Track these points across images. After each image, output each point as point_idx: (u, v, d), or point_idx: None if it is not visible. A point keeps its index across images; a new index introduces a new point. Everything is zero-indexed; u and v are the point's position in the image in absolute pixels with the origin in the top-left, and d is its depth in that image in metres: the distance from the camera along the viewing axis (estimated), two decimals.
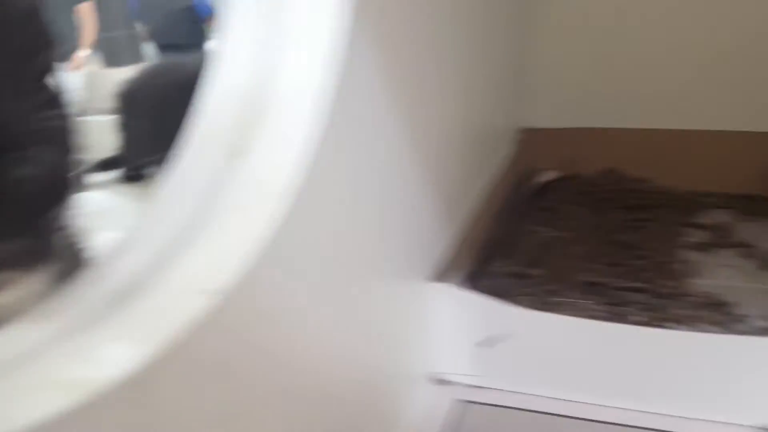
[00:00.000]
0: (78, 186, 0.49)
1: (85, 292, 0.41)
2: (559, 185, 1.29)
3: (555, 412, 0.75)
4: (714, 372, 0.71)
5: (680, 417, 0.73)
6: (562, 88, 1.32)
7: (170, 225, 0.44)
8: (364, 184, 0.60)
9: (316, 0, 0.49)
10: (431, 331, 0.79)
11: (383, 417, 0.72)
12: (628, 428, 0.72)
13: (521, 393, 0.77)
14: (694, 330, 0.81)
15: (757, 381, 0.69)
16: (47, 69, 0.47)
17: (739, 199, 1.18)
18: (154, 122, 1.28)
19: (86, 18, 2.32)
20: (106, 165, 1.68)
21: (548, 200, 1.23)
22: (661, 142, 1.27)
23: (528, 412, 0.75)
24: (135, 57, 2.76)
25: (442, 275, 0.80)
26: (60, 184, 0.47)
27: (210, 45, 1.94)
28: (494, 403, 0.77)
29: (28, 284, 0.43)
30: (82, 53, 2.33)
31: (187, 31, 2.27)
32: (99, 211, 0.80)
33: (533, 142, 1.32)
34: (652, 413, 0.74)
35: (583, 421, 0.73)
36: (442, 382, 0.82)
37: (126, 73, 1.84)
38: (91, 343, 0.37)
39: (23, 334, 0.38)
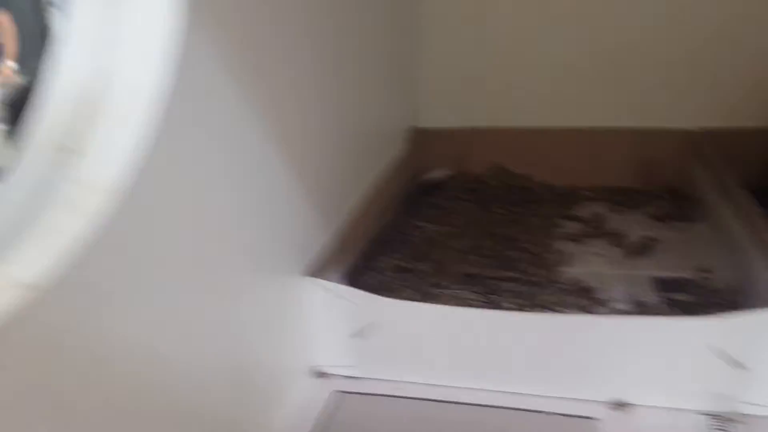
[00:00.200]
0: None
1: None
2: (448, 183, 1.34)
3: (427, 397, 0.78)
4: (574, 351, 0.76)
5: (545, 396, 0.77)
6: (452, 89, 1.37)
7: None
8: (221, 181, 0.61)
9: None
10: (309, 325, 0.81)
11: (259, 412, 0.73)
12: (497, 409, 0.76)
13: (394, 381, 0.80)
14: (557, 313, 0.86)
15: (612, 358, 0.75)
16: None
17: (613, 192, 1.27)
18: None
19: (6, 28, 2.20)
20: None
21: (437, 197, 1.28)
22: (544, 140, 1.34)
23: (401, 399, 0.78)
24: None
25: (320, 271, 0.82)
26: None
27: None
28: (369, 392, 0.79)
29: None
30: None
31: None
32: None
33: (424, 142, 1.37)
34: (519, 394, 0.78)
35: (453, 405, 0.77)
36: (321, 375, 0.83)
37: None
38: None
39: None
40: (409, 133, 1.35)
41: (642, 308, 0.89)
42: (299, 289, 0.79)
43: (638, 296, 0.92)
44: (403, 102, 1.32)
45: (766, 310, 0.68)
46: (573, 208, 1.23)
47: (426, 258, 1.06)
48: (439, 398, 0.77)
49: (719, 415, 0.71)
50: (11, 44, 2.20)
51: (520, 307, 0.90)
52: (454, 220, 1.19)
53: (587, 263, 1.03)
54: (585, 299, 0.93)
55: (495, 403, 0.77)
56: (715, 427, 0.71)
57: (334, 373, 0.83)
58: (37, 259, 0.41)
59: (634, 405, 0.74)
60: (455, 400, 0.77)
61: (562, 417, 0.74)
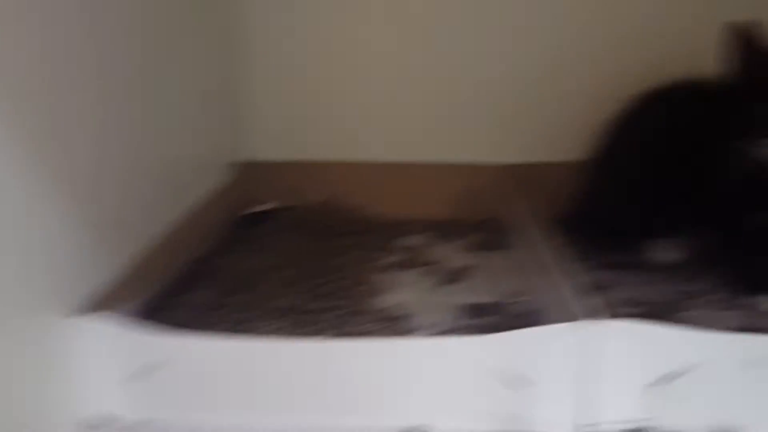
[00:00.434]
0: None
1: None
2: (276, 215, 1.31)
3: None
4: (366, 378, 0.74)
5: (343, 424, 0.74)
6: (284, 121, 1.36)
7: None
8: None
9: None
10: (80, 370, 0.73)
11: None
12: None
13: (187, 424, 0.74)
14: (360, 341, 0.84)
15: (406, 382, 0.73)
16: None
17: (437, 224, 1.30)
18: None
19: None
20: None
21: (263, 230, 1.24)
22: (377, 174, 1.36)
23: None
24: None
25: (100, 307, 0.74)
26: None
27: None
28: None
29: None
30: None
31: None
32: None
33: (254, 174, 1.33)
34: (316, 423, 0.74)
35: None
36: (94, 427, 0.75)
37: None
38: None
39: None
40: (235, 165, 1.31)
41: (448, 334, 0.90)
42: (71, 329, 0.71)
43: (446, 323, 0.93)
44: (226, 132, 1.29)
45: (547, 326, 0.70)
46: (398, 240, 1.24)
47: (241, 292, 1.02)
48: None
49: None
50: None
51: (329, 338, 0.88)
52: (277, 252, 1.16)
53: (402, 292, 1.04)
54: (393, 327, 0.92)
55: None
56: None
57: (114, 422, 0.75)
58: None
59: (428, 430, 0.74)
60: None
61: None
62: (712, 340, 0.67)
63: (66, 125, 0.71)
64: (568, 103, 1.30)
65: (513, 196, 1.27)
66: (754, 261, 0.99)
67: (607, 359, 0.70)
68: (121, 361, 0.73)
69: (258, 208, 1.30)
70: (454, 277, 1.08)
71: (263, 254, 1.14)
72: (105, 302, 0.76)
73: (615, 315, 0.93)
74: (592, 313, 0.70)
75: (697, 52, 1.01)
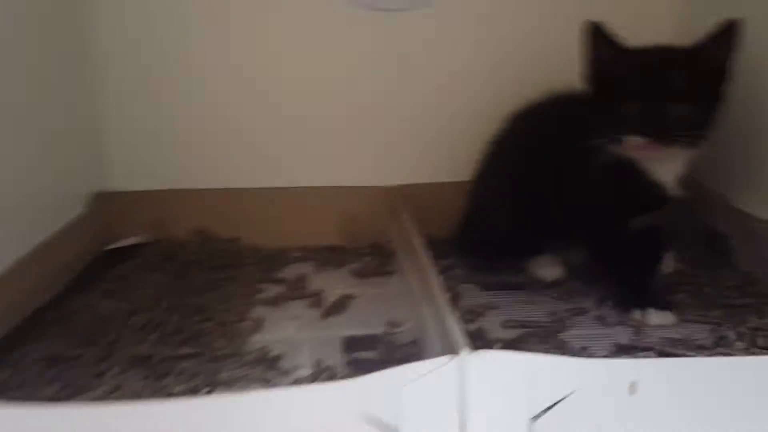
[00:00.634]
0: None
1: None
2: (140, 251, 1.18)
3: None
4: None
5: None
6: (141, 147, 1.25)
7: None
8: None
9: None
10: None
11: None
12: None
13: None
14: (230, 393, 0.76)
15: None
16: None
17: (319, 251, 1.23)
18: None
19: None
20: None
21: (125, 268, 1.12)
22: (250, 201, 1.27)
23: None
24: None
25: None
26: None
27: None
28: None
29: None
30: None
31: None
32: None
33: (114, 206, 1.21)
34: None
35: None
36: None
37: None
38: None
39: None
40: (91, 197, 1.17)
41: (325, 372, 0.83)
42: None
43: (325, 360, 0.86)
44: (81, 160, 1.15)
45: (404, 365, 0.64)
46: (278, 271, 1.16)
47: (93, 342, 0.89)
48: None
49: None
50: None
51: (195, 390, 0.78)
52: (139, 293, 1.04)
53: (281, 329, 0.96)
54: (270, 371, 0.84)
55: None
56: None
57: None
58: None
59: None
60: None
61: None
62: (592, 366, 0.65)
63: None
64: (453, 123, 1.28)
65: (399, 219, 1.23)
66: (623, 275, 0.99)
67: (485, 391, 0.65)
68: None
69: (119, 244, 1.17)
70: (337, 308, 1.01)
71: (122, 296, 1.02)
72: None
73: (497, 340, 0.91)
74: (471, 343, 0.66)
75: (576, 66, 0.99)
